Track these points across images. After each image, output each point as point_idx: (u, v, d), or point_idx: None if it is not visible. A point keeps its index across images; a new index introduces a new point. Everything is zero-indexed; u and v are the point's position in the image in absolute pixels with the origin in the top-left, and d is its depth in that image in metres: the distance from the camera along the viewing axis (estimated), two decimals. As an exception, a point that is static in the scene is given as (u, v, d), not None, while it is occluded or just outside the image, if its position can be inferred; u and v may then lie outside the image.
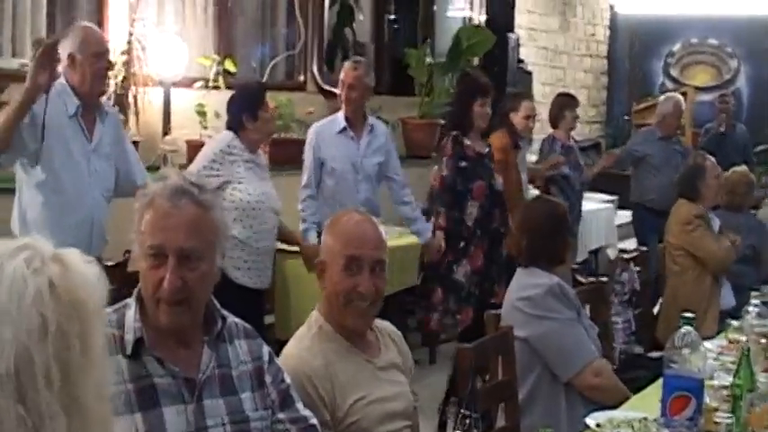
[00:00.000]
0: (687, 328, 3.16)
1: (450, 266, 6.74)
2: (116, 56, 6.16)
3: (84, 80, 4.74)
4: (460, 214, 6.70)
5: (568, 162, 8.33)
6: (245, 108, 5.70)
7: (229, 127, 5.75)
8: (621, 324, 5.54)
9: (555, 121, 8.65)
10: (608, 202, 10.67)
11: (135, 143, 6.50)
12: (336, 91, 8.68)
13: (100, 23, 6.93)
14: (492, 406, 4.05)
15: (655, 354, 5.72)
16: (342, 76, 6.44)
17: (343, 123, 6.38)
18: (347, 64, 6.54)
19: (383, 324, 3.37)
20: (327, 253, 3.19)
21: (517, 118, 7.72)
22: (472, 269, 6.70)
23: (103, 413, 1.65)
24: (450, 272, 6.74)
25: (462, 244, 6.68)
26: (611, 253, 9.70)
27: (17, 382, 1.52)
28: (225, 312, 2.70)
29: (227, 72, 7.32)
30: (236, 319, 2.77)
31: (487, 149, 6.86)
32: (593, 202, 10.00)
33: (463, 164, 6.69)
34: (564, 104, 8.66)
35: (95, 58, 4.79)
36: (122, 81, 6.47)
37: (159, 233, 2.51)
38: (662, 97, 9.65)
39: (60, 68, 4.51)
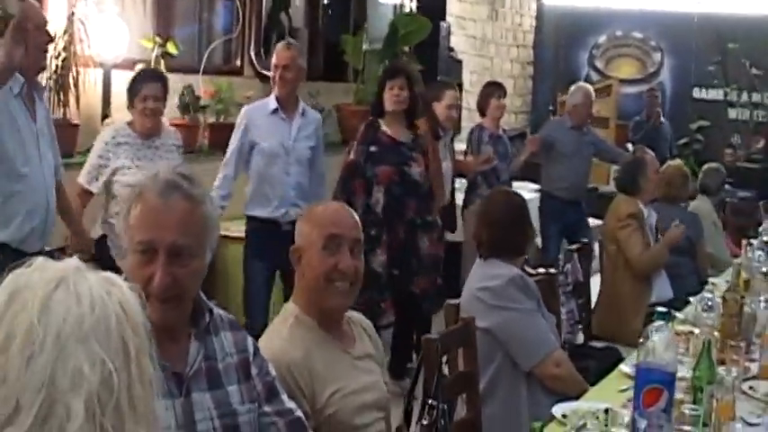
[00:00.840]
0: (660, 321, 3.20)
1: (365, 255, 6.46)
2: (57, 36, 6.02)
3: (26, 54, 4.49)
4: (369, 201, 6.48)
5: (497, 153, 8.24)
6: (129, 95, 5.86)
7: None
8: (565, 314, 5.57)
9: (483, 109, 8.56)
10: (536, 191, 10.68)
11: (74, 126, 6.43)
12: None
13: (40, 2, 6.82)
14: (454, 396, 4.06)
15: (597, 344, 5.81)
16: (274, 58, 6.36)
17: (274, 104, 6.28)
18: (280, 45, 6.46)
19: (355, 315, 3.38)
20: (304, 238, 3.18)
21: (440, 107, 7.60)
22: (388, 259, 6.44)
23: (159, 420, 1.68)
24: (366, 261, 6.45)
25: (373, 231, 6.33)
26: (538, 242, 9.75)
27: (105, 402, 1.51)
28: (211, 304, 2.66)
29: (167, 54, 7.22)
30: (221, 311, 2.73)
31: (411, 138, 6.63)
32: (523, 192, 9.99)
33: (373, 149, 6.51)
34: (490, 93, 8.59)
35: (37, 30, 4.63)
36: (63, 62, 6.33)
37: (149, 229, 2.44)
38: (572, 87, 9.52)
39: None
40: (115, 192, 5.73)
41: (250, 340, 2.74)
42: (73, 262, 1.62)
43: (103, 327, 1.54)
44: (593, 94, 9.39)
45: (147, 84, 5.83)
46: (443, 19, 11.05)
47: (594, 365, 4.85)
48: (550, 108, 14.42)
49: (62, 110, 6.34)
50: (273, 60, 6.36)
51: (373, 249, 6.33)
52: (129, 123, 5.89)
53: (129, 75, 6.53)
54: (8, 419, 1.49)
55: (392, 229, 6.48)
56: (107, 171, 5.76)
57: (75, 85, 6.40)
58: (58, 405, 1.48)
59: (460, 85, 10.64)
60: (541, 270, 5.28)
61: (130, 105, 5.85)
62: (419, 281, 6.56)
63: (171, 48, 7.30)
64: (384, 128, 6.55)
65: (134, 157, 5.79)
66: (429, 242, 6.60)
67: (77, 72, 6.42)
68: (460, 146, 8.73)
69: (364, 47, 9.44)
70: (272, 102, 6.30)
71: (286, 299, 3.44)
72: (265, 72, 8.43)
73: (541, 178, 9.24)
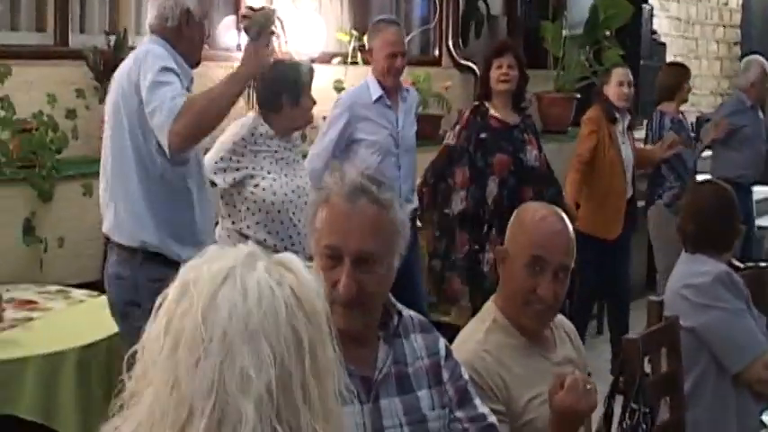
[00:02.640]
0: None
1: (474, 256, 5.88)
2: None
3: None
4: (482, 192, 5.87)
5: (681, 139, 7.64)
6: (288, 89, 4.83)
7: (262, 107, 4.91)
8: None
9: (669, 92, 7.89)
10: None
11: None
12: (469, 65, 8.66)
13: (237, 6, 6.96)
14: (656, 399, 3.93)
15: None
16: (380, 41, 5.72)
17: (378, 91, 5.69)
18: (385, 25, 5.85)
19: (558, 318, 3.26)
20: (512, 244, 3.11)
21: (610, 89, 7.04)
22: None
23: (341, 413, 1.63)
24: (474, 262, 5.88)
25: (486, 228, 5.82)
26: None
27: (277, 401, 1.49)
28: (400, 306, 2.61)
29: (364, 47, 7.25)
30: (412, 313, 2.68)
31: (520, 119, 6.08)
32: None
33: (484, 135, 5.92)
34: (680, 74, 8.04)
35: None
36: (264, 59, 6.42)
37: (335, 234, 2.40)
38: (743, 62, 8.98)
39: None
40: (253, 200, 4.76)
41: (442, 342, 2.68)
42: (244, 249, 1.60)
43: (272, 321, 1.51)
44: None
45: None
46: (645, 1, 10.79)
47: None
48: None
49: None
50: (380, 43, 5.73)
51: (483, 248, 5.84)
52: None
53: (327, 69, 6.60)
54: (183, 425, 1.48)
55: (504, 224, 5.85)
56: (241, 173, 4.79)
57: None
58: (230, 408, 1.47)
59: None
60: (750, 264, 5.07)
61: (293, 103, 4.85)
62: None
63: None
64: (492, 111, 5.99)
65: (273, 159, 4.84)
66: None
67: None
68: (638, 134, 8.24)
69: (564, 33, 9.30)
70: (374, 88, 5.72)
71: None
72: (464, 62, 8.43)
73: (716, 164, 8.66)
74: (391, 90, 5.73)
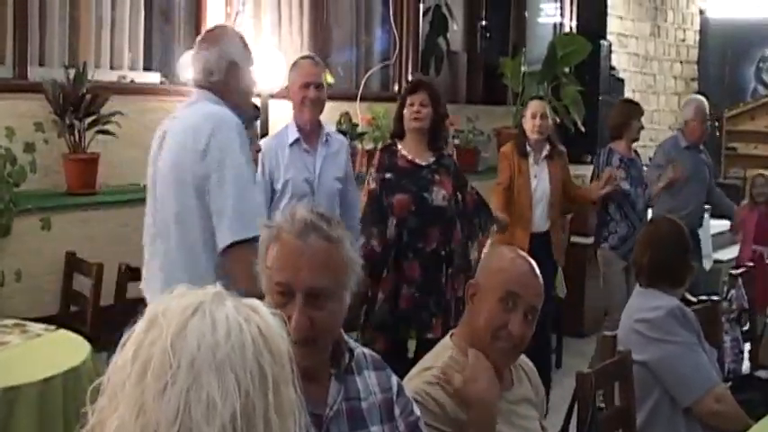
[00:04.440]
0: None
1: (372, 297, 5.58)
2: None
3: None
4: (384, 233, 5.58)
5: (630, 178, 7.44)
6: None
7: None
8: (729, 343, 5.40)
9: (618, 130, 7.67)
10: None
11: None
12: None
13: (198, 34, 6.99)
14: (610, 432, 3.97)
15: (763, 373, 5.58)
16: (296, 75, 5.50)
17: (295, 134, 5.47)
18: (301, 60, 5.67)
19: (520, 357, 3.29)
20: (485, 279, 3.13)
21: (526, 122, 6.95)
22: (399, 300, 5.53)
23: None
24: (373, 304, 5.58)
25: (385, 270, 5.55)
26: (707, 263, 9.47)
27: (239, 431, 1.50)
28: (352, 344, 2.63)
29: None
30: (365, 350, 2.71)
31: (434, 159, 5.74)
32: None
33: (389, 175, 5.67)
34: (630, 112, 7.77)
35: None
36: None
37: (286, 271, 2.42)
38: (685, 99, 8.92)
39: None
40: None
41: (394, 379, 2.70)
42: (212, 288, 1.63)
43: (239, 354, 1.53)
44: (707, 107, 8.41)
45: None
46: (604, 37, 10.92)
47: (760, 398, 4.69)
48: (716, 124, 14.04)
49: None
50: (294, 76, 5.51)
51: (375, 294, 5.54)
52: None
53: (287, 104, 6.62)
54: None
55: (402, 266, 5.56)
56: None
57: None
58: None
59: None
60: (703, 297, 5.14)
61: None
62: (436, 325, 5.52)
63: (328, 77, 7.37)
64: (403, 151, 5.74)
65: None
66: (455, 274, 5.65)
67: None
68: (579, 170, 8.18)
69: (523, 69, 9.37)
70: (291, 132, 5.50)
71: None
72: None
73: (655, 206, 8.16)
74: (310, 133, 5.49)
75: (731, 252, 10.07)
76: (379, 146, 6.13)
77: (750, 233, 8.94)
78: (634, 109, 7.88)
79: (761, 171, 9.58)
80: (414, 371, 3.14)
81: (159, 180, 3.84)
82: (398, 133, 5.80)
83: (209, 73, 3.85)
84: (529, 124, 6.92)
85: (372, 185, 5.68)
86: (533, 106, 6.99)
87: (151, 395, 1.50)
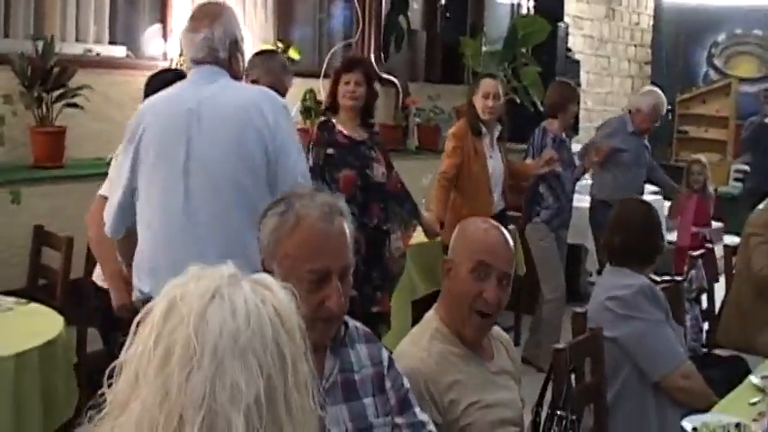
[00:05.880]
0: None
1: None
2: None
3: None
4: None
5: (561, 160, 7.38)
6: None
7: None
8: (690, 322, 5.49)
9: (555, 109, 7.57)
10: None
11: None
12: (391, 78, 8.77)
13: (164, 15, 6.99)
14: (581, 407, 4.04)
15: (722, 352, 5.66)
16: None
17: None
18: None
19: (495, 329, 3.37)
20: (456, 254, 3.20)
21: (477, 101, 6.76)
22: None
23: (316, 425, 1.68)
24: None
25: None
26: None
27: (263, 412, 1.54)
28: (345, 317, 2.68)
29: (290, 60, 7.30)
30: (357, 323, 2.76)
31: (368, 135, 5.81)
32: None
33: (331, 151, 5.66)
34: (569, 95, 7.66)
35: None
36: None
37: (320, 256, 2.46)
38: (643, 89, 8.97)
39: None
40: None
41: (385, 353, 2.77)
42: (226, 269, 1.65)
43: (259, 338, 1.56)
44: (665, 106, 8.50)
45: None
46: (561, 19, 10.97)
47: (719, 375, 4.76)
48: (668, 107, 14.14)
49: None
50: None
51: None
52: None
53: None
54: None
55: None
56: None
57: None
58: (219, 419, 1.51)
59: (578, 86, 10.50)
60: (667, 277, 5.22)
61: None
62: (383, 299, 5.71)
63: (293, 53, 7.40)
64: (339, 127, 5.75)
65: None
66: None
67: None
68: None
69: (483, 49, 9.41)
70: None
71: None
72: (385, 76, 8.53)
73: (595, 185, 8.42)
74: None
75: (670, 236, 10.15)
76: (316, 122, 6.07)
77: (689, 218, 9.05)
78: (572, 92, 7.79)
79: (697, 156, 9.73)
80: (404, 343, 3.21)
81: (201, 157, 3.69)
82: (332, 108, 5.82)
83: (214, 50, 3.82)
84: (481, 104, 6.76)
85: (311, 161, 5.57)
86: (487, 85, 6.80)
87: (176, 383, 1.52)
